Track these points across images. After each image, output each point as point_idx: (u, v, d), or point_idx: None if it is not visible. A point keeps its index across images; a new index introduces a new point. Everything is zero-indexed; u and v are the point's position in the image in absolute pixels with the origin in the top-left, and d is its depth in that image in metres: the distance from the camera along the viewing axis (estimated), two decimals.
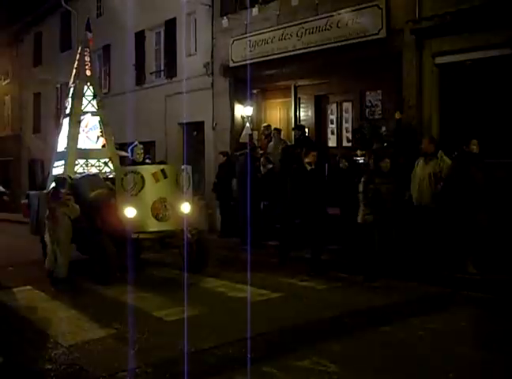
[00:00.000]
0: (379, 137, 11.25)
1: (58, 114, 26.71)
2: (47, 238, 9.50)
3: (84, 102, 11.64)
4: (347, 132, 13.92)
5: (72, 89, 11.91)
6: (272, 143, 13.46)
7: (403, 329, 6.23)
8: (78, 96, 11.60)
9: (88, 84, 11.75)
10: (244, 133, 15.46)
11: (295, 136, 12.95)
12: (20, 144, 30.45)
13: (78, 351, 5.70)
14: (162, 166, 9.74)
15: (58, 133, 12.04)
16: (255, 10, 14.95)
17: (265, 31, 14.55)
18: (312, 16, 13.38)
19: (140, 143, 11.43)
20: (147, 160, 10.90)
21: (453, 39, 10.62)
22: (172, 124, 18.39)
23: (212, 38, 16.61)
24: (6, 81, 32.42)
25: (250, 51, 14.68)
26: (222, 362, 5.30)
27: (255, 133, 15.51)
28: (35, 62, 28.71)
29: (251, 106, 15.56)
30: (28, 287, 9.01)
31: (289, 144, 12.78)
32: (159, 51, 19.77)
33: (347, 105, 14.14)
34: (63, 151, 11.47)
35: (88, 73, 11.78)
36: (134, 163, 10.19)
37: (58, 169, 11.36)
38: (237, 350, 5.57)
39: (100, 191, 9.89)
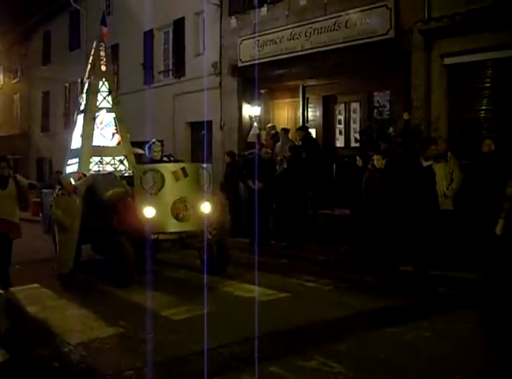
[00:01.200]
0: (387, 138, 11.21)
1: (67, 112, 26.91)
2: (58, 237, 9.28)
3: (99, 98, 11.31)
4: (355, 132, 13.89)
5: (86, 85, 11.59)
6: (279, 143, 13.44)
7: (409, 330, 6.21)
8: (93, 92, 11.27)
9: (104, 79, 11.43)
10: (252, 132, 15.47)
11: (299, 137, 12.92)
12: (29, 142, 30.58)
13: (85, 350, 5.71)
14: (182, 165, 9.43)
15: (72, 130, 11.72)
16: (264, 10, 14.96)
17: (273, 30, 14.55)
18: (321, 16, 13.38)
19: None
20: (165, 158, 10.53)
21: (461, 40, 10.59)
22: (180, 123, 18.43)
23: (221, 37, 16.62)
24: (15, 80, 32.56)
25: (259, 51, 14.68)
26: (229, 362, 5.31)
27: (263, 133, 15.51)
28: (44, 61, 28.82)
29: (259, 105, 15.58)
30: (36, 285, 9.02)
31: (296, 144, 12.75)
32: (167, 51, 19.80)
33: (355, 105, 14.11)
34: (77, 149, 11.19)
35: (103, 68, 11.47)
36: (152, 161, 9.87)
37: (71, 167, 11.14)
38: (244, 349, 5.57)
39: (117, 190, 9.49)
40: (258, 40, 14.82)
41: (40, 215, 12.96)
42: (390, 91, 12.94)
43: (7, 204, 8.47)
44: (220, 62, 16.71)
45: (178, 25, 18.65)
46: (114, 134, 11.36)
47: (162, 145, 10.77)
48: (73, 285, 8.87)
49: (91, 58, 11.67)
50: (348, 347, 5.71)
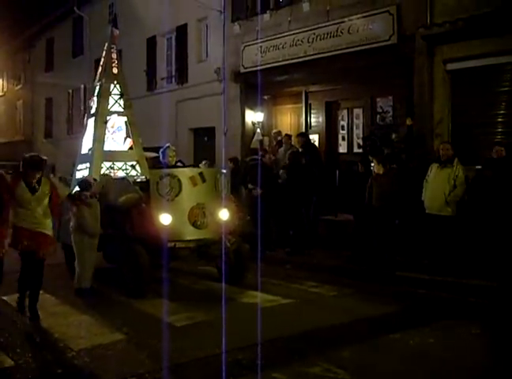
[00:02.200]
0: (390, 143, 11.21)
1: (70, 118, 26.99)
2: (77, 248, 8.69)
3: (111, 101, 11.01)
4: (358, 138, 13.90)
5: (98, 88, 11.29)
6: (282, 148, 13.45)
7: (413, 336, 6.19)
8: (104, 95, 10.95)
9: (115, 82, 11.11)
10: (255, 138, 15.48)
11: (299, 143, 12.91)
12: (32, 148, 30.60)
13: (88, 356, 5.69)
14: (200, 169, 9.19)
15: (82, 135, 11.38)
16: (266, 16, 15.00)
17: (276, 36, 14.59)
18: (323, 22, 13.41)
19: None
20: (178, 163, 10.12)
21: (464, 46, 10.60)
22: (183, 129, 18.45)
23: (224, 44, 16.65)
24: (18, 86, 32.66)
25: (262, 57, 14.71)
26: (232, 368, 5.29)
27: (266, 139, 15.52)
28: (47, 68, 28.93)
29: (262, 112, 15.60)
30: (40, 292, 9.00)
31: (299, 150, 12.74)
32: (170, 57, 19.85)
33: (358, 111, 14.12)
34: (88, 154, 10.85)
35: (114, 70, 11.14)
36: (166, 166, 9.50)
37: (81, 172, 10.80)
38: (247, 356, 5.56)
39: (130, 195, 9.11)
40: (261, 46, 14.85)
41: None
42: (393, 96, 12.96)
43: (37, 212, 7.11)
44: (223, 68, 16.74)
45: (181, 32, 18.71)
46: (125, 138, 11.13)
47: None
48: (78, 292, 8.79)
49: (102, 60, 11.44)
50: (351, 353, 5.70)
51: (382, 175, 9.78)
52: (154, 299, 8.10)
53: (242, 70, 15.74)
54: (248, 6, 15.76)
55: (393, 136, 11.68)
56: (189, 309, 7.52)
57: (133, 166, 10.92)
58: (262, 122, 15.69)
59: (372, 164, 10.33)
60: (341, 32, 12.95)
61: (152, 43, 20.12)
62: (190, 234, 8.51)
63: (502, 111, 10.48)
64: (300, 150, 12.47)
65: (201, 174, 8.72)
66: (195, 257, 8.98)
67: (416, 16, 11.51)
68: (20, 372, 5.25)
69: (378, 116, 12.86)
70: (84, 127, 11.46)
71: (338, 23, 13.03)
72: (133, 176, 10.61)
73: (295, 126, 15.57)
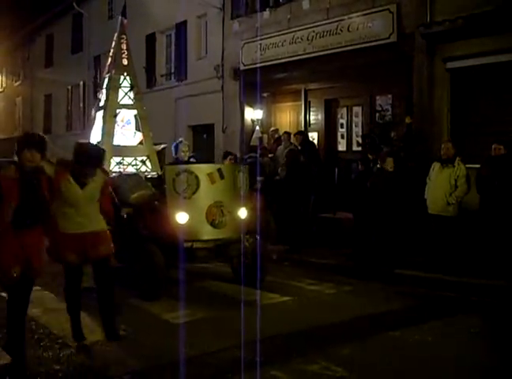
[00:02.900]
0: (389, 142, 11.22)
1: (69, 115, 26.96)
2: None
3: (121, 94, 10.64)
4: (357, 136, 13.89)
5: (106, 80, 10.92)
6: (281, 146, 13.44)
7: (412, 334, 6.20)
8: (114, 87, 10.56)
9: (125, 74, 10.77)
10: (254, 136, 15.48)
11: (297, 142, 12.92)
12: None
13: (87, 352, 5.70)
14: (218, 166, 8.74)
15: (91, 128, 10.99)
16: (266, 14, 14.98)
17: (275, 34, 14.58)
18: (323, 20, 13.41)
19: None
20: (192, 159, 9.69)
21: (464, 44, 10.59)
22: (182, 126, 18.42)
23: (223, 41, 16.66)
24: (18, 82, 32.62)
25: (261, 55, 14.70)
26: (230, 365, 5.29)
27: (265, 137, 15.52)
28: (47, 64, 28.92)
29: (261, 109, 15.60)
30: (37, 288, 8.91)
31: (297, 148, 12.74)
32: (169, 54, 19.86)
33: (357, 109, 14.11)
34: None
35: (124, 62, 10.82)
36: (179, 161, 9.06)
37: None
38: (246, 353, 5.55)
39: (142, 192, 8.67)
40: (261, 44, 14.84)
41: None
42: (392, 95, 12.94)
43: (90, 210, 5.87)
44: (223, 66, 16.73)
45: (181, 29, 18.69)
46: (135, 133, 10.75)
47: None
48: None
49: (111, 51, 11.08)
50: (350, 350, 5.70)
51: (388, 173, 9.74)
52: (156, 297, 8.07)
53: (242, 67, 15.73)
54: (248, 3, 15.75)
55: (392, 134, 11.68)
56: (188, 306, 7.49)
57: (143, 162, 10.55)
58: (261, 120, 15.69)
59: (377, 162, 10.32)
60: (341, 30, 12.94)
61: (151, 39, 20.11)
62: (208, 233, 8.11)
63: (502, 110, 10.48)
64: (299, 148, 12.47)
65: (219, 170, 8.29)
66: (213, 258, 8.67)
67: (415, 15, 11.50)
68: (18, 368, 5.24)
69: (378, 114, 12.84)
70: (91, 120, 11.10)
71: (338, 21, 13.02)
72: (144, 172, 10.32)
73: (295, 124, 15.56)
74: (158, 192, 8.37)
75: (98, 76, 24.57)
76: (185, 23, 18.42)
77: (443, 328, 6.50)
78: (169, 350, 5.74)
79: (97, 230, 5.89)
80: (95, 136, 10.59)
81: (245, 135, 15.93)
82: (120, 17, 11.38)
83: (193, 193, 7.98)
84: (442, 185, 9.03)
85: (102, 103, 10.76)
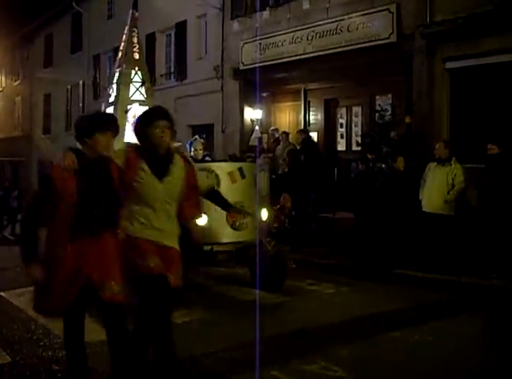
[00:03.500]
0: (389, 142, 11.22)
1: (69, 114, 26.94)
2: None
3: (132, 89, 10.18)
4: (356, 136, 13.89)
5: (117, 74, 10.48)
6: (280, 146, 13.44)
7: (412, 335, 6.19)
8: (125, 83, 10.12)
9: (136, 68, 10.32)
10: (253, 136, 15.47)
11: (299, 140, 12.92)
12: (30, 144, 30.61)
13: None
14: (239, 164, 8.32)
15: None
16: (266, 13, 14.99)
17: (275, 34, 14.59)
18: (323, 19, 13.41)
19: None
20: (207, 158, 9.20)
21: (464, 44, 10.60)
22: (182, 126, 18.38)
23: (223, 41, 16.66)
24: (17, 82, 32.61)
25: (261, 54, 14.70)
26: (230, 366, 5.28)
27: (264, 136, 15.51)
28: (46, 64, 28.91)
29: (261, 109, 15.59)
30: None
31: (297, 147, 12.74)
32: (169, 54, 19.84)
33: (357, 109, 14.11)
34: None
35: (136, 56, 10.36)
36: (194, 160, 8.11)
37: None
38: (245, 353, 5.55)
39: None
40: (260, 43, 14.84)
41: None
42: (392, 95, 12.95)
43: (167, 213, 4.39)
44: (222, 65, 16.74)
45: (181, 28, 18.68)
46: None
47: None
48: None
49: (122, 44, 10.66)
50: (350, 350, 5.69)
51: (401, 172, 9.76)
52: None
53: (242, 67, 15.73)
54: (247, 3, 15.76)
55: (392, 134, 11.68)
56: (189, 306, 7.49)
57: None
58: (261, 120, 15.68)
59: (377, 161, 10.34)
60: (341, 30, 12.95)
61: (151, 39, 20.07)
62: (229, 236, 7.74)
63: (501, 110, 10.47)
64: (298, 147, 12.47)
65: (240, 169, 7.91)
66: (233, 262, 8.40)
67: (415, 15, 11.51)
68: (17, 368, 5.24)
69: (377, 114, 12.83)
70: None
71: (338, 21, 13.02)
72: None
73: (294, 124, 15.56)
74: None
75: (97, 75, 24.58)
76: (185, 23, 18.41)
77: (443, 328, 6.49)
78: None
79: (173, 247, 4.50)
80: None
81: (244, 135, 15.93)
82: (131, 10, 10.84)
83: None
84: (439, 185, 9.07)
85: (112, 99, 10.39)
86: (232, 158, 12.72)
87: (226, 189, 7.54)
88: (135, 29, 10.47)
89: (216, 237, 7.62)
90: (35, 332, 6.46)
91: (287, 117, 16.07)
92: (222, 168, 7.90)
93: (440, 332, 6.28)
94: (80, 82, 25.48)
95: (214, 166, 7.98)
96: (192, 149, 8.59)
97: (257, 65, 14.28)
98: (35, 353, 5.70)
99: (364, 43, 12.43)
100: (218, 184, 7.57)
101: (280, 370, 5.10)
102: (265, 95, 15.88)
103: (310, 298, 8.14)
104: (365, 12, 12.44)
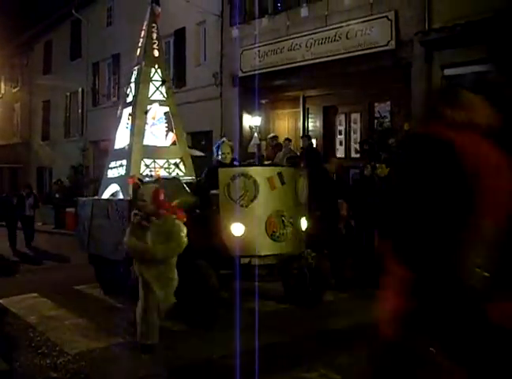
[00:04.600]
0: (387, 149, 11.22)
1: (67, 121, 26.95)
2: (148, 277, 5.79)
3: (151, 88, 9.54)
4: (355, 143, 13.91)
5: (135, 72, 9.82)
6: (281, 152, 13.42)
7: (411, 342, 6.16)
8: (144, 81, 9.47)
9: (156, 66, 9.69)
10: (252, 143, 15.47)
11: (302, 145, 12.94)
12: (29, 151, 30.61)
13: (84, 360, 5.66)
14: (278, 169, 7.51)
15: (116, 127, 9.87)
16: (265, 21, 15.03)
17: (274, 41, 14.62)
18: (321, 27, 13.45)
19: None
20: (235, 162, 8.49)
21: (462, 51, 10.63)
22: None
23: (222, 48, 16.70)
24: (16, 89, 32.63)
25: (259, 61, 14.74)
26: (230, 373, 5.26)
27: (263, 144, 15.51)
28: (45, 70, 28.96)
29: (260, 116, 15.61)
30: (34, 294, 8.97)
31: (296, 154, 12.73)
32: (168, 60, 19.81)
33: (355, 116, 14.13)
34: (123, 149, 9.33)
35: (155, 53, 9.75)
36: (221, 164, 7.80)
37: (114, 171, 9.36)
38: (245, 361, 5.53)
39: (184, 199, 7.07)
40: (259, 51, 14.88)
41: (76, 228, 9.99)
42: (391, 101, 12.98)
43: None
44: (221, 72, 16.77)
45: (180, 35, 18.71)
46: (167, 132, 9.60)
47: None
48: (72, 295, 8.74)
49: (140, 41, 10.04)
50: (349, 358, 5.66)
51: (384, 179, 9.73)
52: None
53: (241, 74, 15.75)
54: (246, 11, 15.81)
55: (391, 141, 11.68)
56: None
57: (176, 165, 9.43)
58: (260, 127, 15.70)
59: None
60: (339, 37, 12.98)
61: None
62: (268, 248, 7.07)
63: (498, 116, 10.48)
64: (299, 153, 12.47)
65: (279, 174, 7.24)
66: (273, 276, 7.65)
67: (414, 22, 11.55)
68: (15, 376, 5.22)
69: (376, 121, 12.86)
70: (117, 118, 10.00)
71: (336, 28, 13.07)
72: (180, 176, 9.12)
73: (293, 131, 15.57)
74: (198, 199, 7.32)
75: (96, 82, 24.60)
76: (184, 30, 18.45)
77: None
78: (167, 357, 5.71)
79: None
80: (121, 136, 9.64)
81: (243, 142, 15.93)
82: (152, 4, 10.07)
83: (252, 200, 6.97)
84: None
85: (130, 99, 9.72)
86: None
87: (265, 196, 7.05)
88: (155, 25, 9.87)
89: (254, 249, 6.96)
90: (34, 339, 6.45)
91: (286, 124, 16.09)
92: (261, 173, 7.21)
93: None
94: (80, 89, 25.50)
95: (252, 171, 7.25)
96: (220, 153, 8.00)
97: (256, 72, 14.30)
98: (33, 360, 5.68)
99: (363, 50, 12.47)
100: (256, 191, 6.97)
101: (279, 378, 5.08)
102: (263, 102, 15.90)
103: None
104: (364, 19, 12.48)
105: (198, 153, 10.59)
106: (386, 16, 12.04)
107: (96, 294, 8.89)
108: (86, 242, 8.94)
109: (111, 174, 9.50)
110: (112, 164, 9.54)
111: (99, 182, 10.31)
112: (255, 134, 15.49)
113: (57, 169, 26.43)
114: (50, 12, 26.76)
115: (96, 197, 9.54)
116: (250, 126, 16.03)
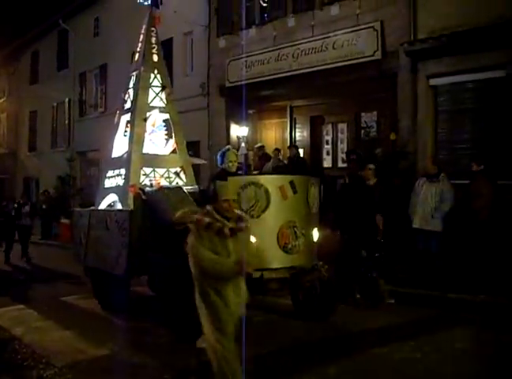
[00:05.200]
0: (374, 158, 11.25)
1: (54, 131, 26.83)
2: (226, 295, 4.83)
3: (151, 95, 9.30)
4: (342, 152, 13.95)
5: (134, 78, 9.53)
6: (269, 163, 13.43)
7: (399, 351, 6.18)
8: (143, 87, 9.17)
9: (156, 71, 9.46)
10: (239, 153, 15.45)
11: (290, 155, 12.97)
12: (16, 161, 30.44)
13: (71, 372, 5.62)
14: (290, 177, 7.22)
15: (113, 135, 9.58)
16: (252, 31, 15.09)
17: (261, 51, 14.67)
18: (308, 37, 13.52)
19: None
20: (240, 172, 8.28)
21: (448, 61, 10.74)
22: None
23: (209, 58, 16.74)
24: (2, 99, 32.48)
25: (246, 72, 14.76)
26: None
27: (251, 154, 15.53)
28: (32, 80, 28.85)
29: (247, 126, 15.62)
30: (21, 306, 8.90)
31: (285, 163, 12.76)
32: None
33: (342, 126, 14.18)
34: (121, 157, 9.12)
35: (155, 58, 9.49)
36: (226, 173, 7.32)
37: (112, 180, 9.14)
38: None
39: (187, 210, 6.48)
40: (246, 61, 14.91)
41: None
42: (377, 111, 13.05)
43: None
44: (208, 83, 16.80)
45: (167, 45, 18.66)
46: (167, 140, 9.35)
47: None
48: (58, 306, 8.68)
49: (139, 45, 9.75)
50: (338, 367, 5.67)
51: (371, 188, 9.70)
52: (139, 315, 8.01)
53: (228, 84, 15.78)
54: (233, 21, 15.85)
55: (377, 150, 11.74)
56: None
57: (177, 174, 9.22)
58: (247, 137, 15.71)
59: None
60: (326, 47, 13.06)
61: None
62: (280, 260, 6.86)
63: (484, 126, 10.57)
64: (286, 162, 12.49)
65: (291, 183, 7.00)
66: (285, 290, 7.56)
67: (399, 32, 11.64)
68: None
69: (363, 131, 12.93)
70: (115, 126, 9.68)
71: (323, 38, 13.14)
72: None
73: (280, 141, 15.60)
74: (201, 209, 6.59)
75: (83, 93, 24.55)
76: (171, 40, 18.45)
77: (429, 343, 6.48)
78: (155, 368, 5.69)
79: None
80: (119, 144, 9.40)
81: None
82: (151, 7, 9.85)
83: (263, 210, 6.75)
84: (427, 200, 9.09)
85: (128, 106, 9.44)
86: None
87: (277, 206, 6.82)
88: (154, 29, 9.65)
89: (266, 261, 6.70)
90: (20, 351, 6.39)
91: (273, 134, 16.12)
92: (272, 182, 6.99)
93: (428, 349, 6.26)
94: (66, 99, 25.43)
95: (263, 179, 7.06)
96: (226, 161, 7.61)
97: (243, 82, 14.31)
98: (19, 373, 5.63)
99: (349, 60, 12.55)
100: (268, 200, 6.75)
101: None
102: (251, 112, 15.92)
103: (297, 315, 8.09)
104: (350, 29, 12.56)
105: (199, 161, 10.30)
106: (372, 27, 12.13)
107: (83, 306, 8.84)
108: (83, 255, 8.70)
109: (108, 183, 9.24)
110: (110, 173, 9.28)
111: (87, 193, 10.17)
112: (242, 144, 15.49)
113: (44, 179, 26.28)
114: (37, 22, 26.71)
115: (94, 208, 9.28)
116: (237, 136, 16.05)
